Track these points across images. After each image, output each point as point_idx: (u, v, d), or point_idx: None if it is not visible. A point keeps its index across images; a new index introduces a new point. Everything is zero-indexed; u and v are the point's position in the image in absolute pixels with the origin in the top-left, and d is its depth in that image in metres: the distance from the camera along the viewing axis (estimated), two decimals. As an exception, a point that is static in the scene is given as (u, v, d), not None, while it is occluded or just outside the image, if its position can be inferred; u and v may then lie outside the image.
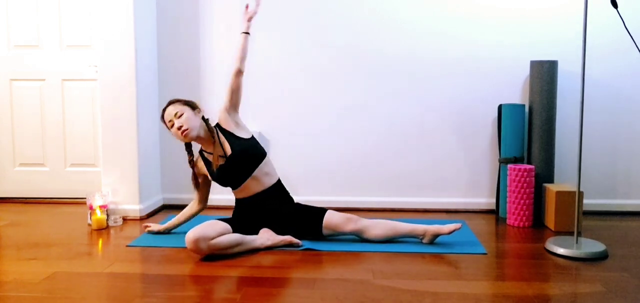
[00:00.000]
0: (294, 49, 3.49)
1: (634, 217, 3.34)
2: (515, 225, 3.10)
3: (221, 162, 2.68)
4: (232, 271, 2.34)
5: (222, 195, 3.22)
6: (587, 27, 2.50)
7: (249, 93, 3.50)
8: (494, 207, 3.47)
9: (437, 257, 2.53)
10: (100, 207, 3.06)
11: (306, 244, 2.67)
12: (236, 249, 2.53)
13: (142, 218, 3.28)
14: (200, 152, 2.78)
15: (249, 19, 2.74)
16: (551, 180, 3.26)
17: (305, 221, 2.72)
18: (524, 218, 3.08)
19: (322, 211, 2.72)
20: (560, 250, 2.56)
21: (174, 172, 3.53)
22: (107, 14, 3.19)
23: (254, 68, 3.49)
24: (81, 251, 2.65)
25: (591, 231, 2.98)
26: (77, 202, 3.65)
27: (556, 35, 3.36)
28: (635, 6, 3.28)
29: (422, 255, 2.55)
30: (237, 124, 2.75)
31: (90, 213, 3.07)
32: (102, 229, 3.04)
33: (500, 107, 3.35)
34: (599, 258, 2.51)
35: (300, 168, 3.53)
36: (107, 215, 3.11)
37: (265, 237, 2.66)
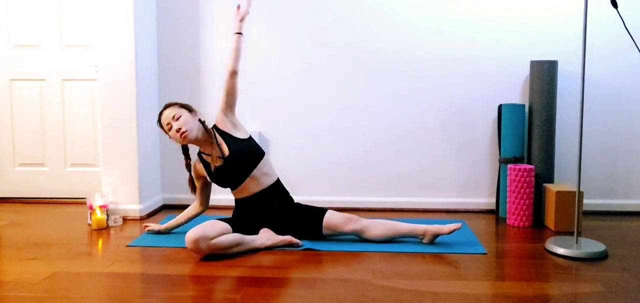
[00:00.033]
0: (294, 49, 3.49)
1: (634, 217, 3.34)
2: (515, 225, 3.10)
3: (219, 163, 2.68)
4: (232, 271, 2.34)
5: (222, 195, 3.22)
6: (587, 27, 2.50)
7: (249, 93, 3.50)
8: (494, 207, 3.47)
9: (437, 257, 2.53)
10: (100, 207, 3.06)
11: (306, 244, 2.67)
12: (236, 249, 2.53)
13: (142, 218, 3.28)
14: (199, 154, 2.78)
15: (241, 20, 2.74)
16: (551, 180, 3.26)
17: (305, 221, 2.72)
18: (524, 218, 3.08)
19: (322, 211, 2.72)
20: (560, 250, 2.56)
21: (174, 172, 3.53)
22: (107, 14, 3.19)
23: (254, 68, 3.50)
24: (81, 251, 2.65)
25: (591, 231, 2.98)
26: (77, 202, 3.65)
27: (556, 35, 3.36)
28: (635, 6, 3.28)
29: (422, 255, 2.55)
30: (234, 124, 2.75)
31: (90, 213, 3.07)
32: (102, 229, 3.04)
33: (500, 107, 3.35)
34: (599, 258, 2.51)
35: (300, 168, 3.53)
36: (107, 215, 3.11)
37: (265, 237, 2.66)
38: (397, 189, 3.52)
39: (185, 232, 2.49)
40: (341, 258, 2.50)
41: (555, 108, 3.23)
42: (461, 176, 3.49)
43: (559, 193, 2.99)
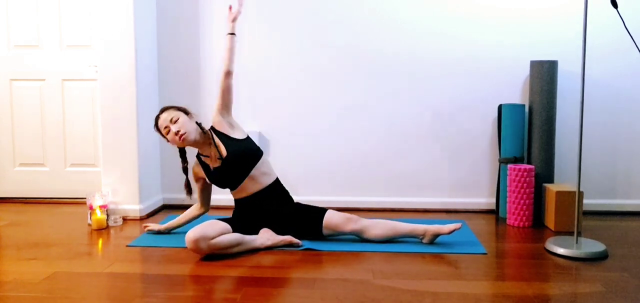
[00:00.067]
0: (294, 49, 3.49)
1: (634, 217, 3.34)
2: (515, 225, 3.10)
3: (218, 164, 2.68)
4: (232, 271, 2.34)
5: (222, 195, 3.22)
6: (587, 27, 2.50)
7: (249, 93, 3.50)
8: (494, 207, 3.47)
9: (437, 257, 2.53)
10: (100, 207, 3.06)
11: (306, 244, 2.67)
12: (236, 249, 2.53)
13: (142, 218, 3.28)
14: (198, 156, 2.78)
15: (233, 20, 2.74)
16: (551, 180, 3.26)
17: (305, 221, 2.72)
18: (524, 218, 3.08)
19: (322, 211, 2.72)
20: (560, 250, 2.56)
21: (174, 172, 3.52)
22: (107, 14, 3.19)
23: (254, 68, 3.50)
24: (81, 251, 2.65)
25: (591, 231, 2.98)
26: (77, 202, 3.65)
27: (556, 35, 3.36)
28: (635, 6, 3.28)
29: (422, 255, 2.55)
30: (231, 125, 2.75)
31: (90, 213, 3.07)
32: (102, 229, 3.04)
33: (500, 107, 3.35)
34: (599, 258, 2.51)
35: (300, 168, 3.53)
36: (107, 215, 3.11)
37: (265, 237, 2.66)
38: (397, 189, 3.52)
39: (185, 232, 2.50)
40: (341, 258, 2.50)
41: (555, 108, 3.23)
42: (461, 176, 3.49)
43: (559, 193, 2.99)
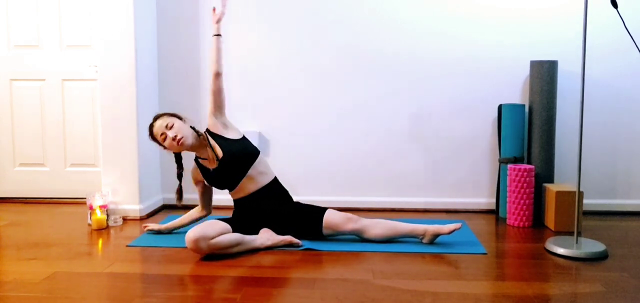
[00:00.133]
0: (294, 49, 3.49)
1: (634, 217, 3.34)
2: (515, 225, 3.10)
3: (215, 165, 2.68)
4: (232, 271, 2.34)
5: (222, 195, 3.21)
6: (587, 27, 2.50)
7: (249, 93, 3.50)
8: (494, 207, 3.47)
9: (437, 257, 2.53)
10: (100, 207, 3.06)
11: (306, 244, 2.67)
12: (236, 249, 2.53)
13: (142, 218, 3.28)
14: (196, 159, 2.79)
15: (218, 21, 2.73)
16: (551, 180, 3.26)
17: (305, 221, 2.72)
18: (524, 218, 3.08)
19: (322, 210, 2.72)
20: (560, 250, 2.56)
21: (174, 173, 3.50)
22: (107, 14, 3.19)
23: (254, 68, 3.50)
24: (81, 251, 2.65)
25: (591, 231, 2.98)
26: (77, 202, 3.65)
27: (556, 35, 3.36)
28: (635, 6, 3.28)
29: (422, 255, 2.55)
30: (226, 125, 2.75)
31: (90, 213, 3.07)
32: (102, 229, 3.04)
33: (500, 107, 3.35)
34: (599, 258, 2.51)
35: (300, 168, 3.53)
36: (107, 215, 3.11)
37: (265, 236, 2.66)
38: (397, 189, 3.52)
39: (185, 232, 2.50)
40: (341, 258, 2.50)
41: (555, 108, 3.23)
42: (461, 176, 3.49)
43: (559, 193, 2.99)
